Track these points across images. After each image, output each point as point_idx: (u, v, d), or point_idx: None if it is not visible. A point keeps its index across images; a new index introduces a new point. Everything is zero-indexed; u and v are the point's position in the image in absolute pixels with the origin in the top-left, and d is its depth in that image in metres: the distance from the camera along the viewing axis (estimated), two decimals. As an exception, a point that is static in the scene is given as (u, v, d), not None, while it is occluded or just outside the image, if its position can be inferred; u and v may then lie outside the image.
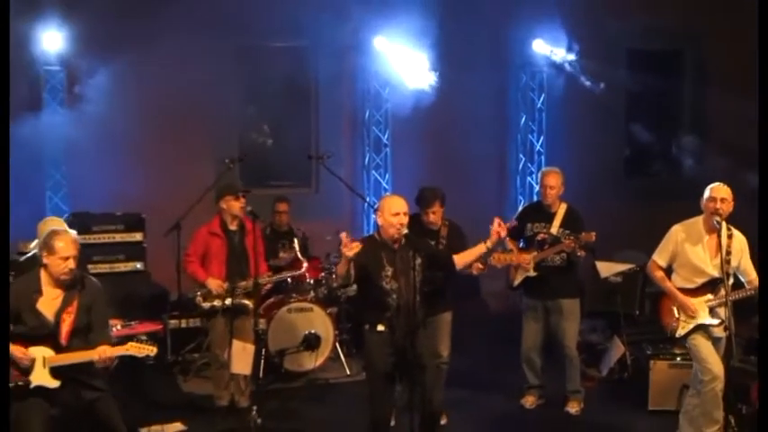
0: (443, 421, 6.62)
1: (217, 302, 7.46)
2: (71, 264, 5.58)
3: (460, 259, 6.14)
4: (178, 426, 7.43)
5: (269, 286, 7.81)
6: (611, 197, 11.64)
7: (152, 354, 5.81)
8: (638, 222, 10.84)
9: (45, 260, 5.61)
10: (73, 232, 6.07)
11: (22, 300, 5.57)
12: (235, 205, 7.55)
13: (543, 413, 7.82)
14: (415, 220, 6.59)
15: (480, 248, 6.07)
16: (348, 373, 8.73)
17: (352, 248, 5.58)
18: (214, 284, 7.47)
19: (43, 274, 5.63)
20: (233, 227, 7.62)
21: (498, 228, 5.96)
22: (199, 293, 7.54)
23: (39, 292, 5.61)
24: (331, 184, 10.53)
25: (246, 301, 7.45)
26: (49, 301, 5.61)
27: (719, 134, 12.05)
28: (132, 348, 5.73)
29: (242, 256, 7.56)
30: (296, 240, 8.76)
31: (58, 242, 5.57)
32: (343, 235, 5.70)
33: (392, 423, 6.38)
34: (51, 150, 9.63)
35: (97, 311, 5.76)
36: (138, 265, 9.25)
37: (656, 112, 12.56)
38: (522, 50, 11.47)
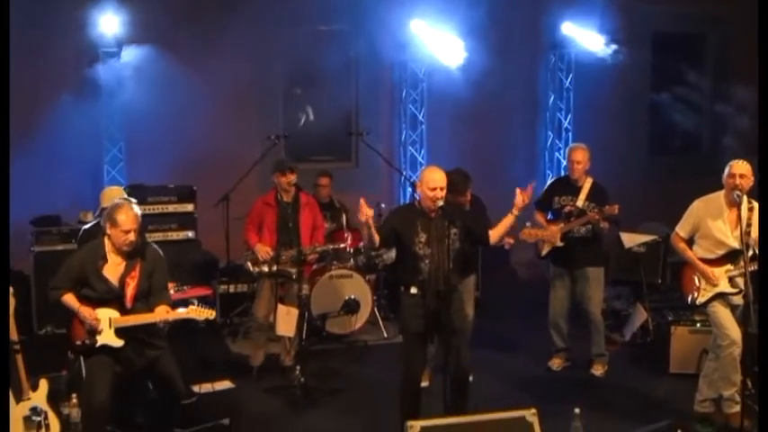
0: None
1: (264, 268, 7.51)
2: (132, 236, 5.63)
3: (494, 233, 6.08)
4: (227, 383, 7.53)
5: (314, 257, 7.80)
6: (635, 172, 11.54)
7: (211, 317, 5.92)
8: (660, 196, 10.74)
9: (108, 231, 5.66)
10: (134, 201, 6.14)
11: (88, 266, 5.64)
12: (282, 181, 7.59)
13: (569, 375, 7.82)
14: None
15: (509, 219, 6.02)
16: (385, 335, 8.76)
17: (362, 213, 5.63)
18: (262, 251, 7.53)
19: (107, 243, 5.70)
20: (287, 199, 7.67)
21: (521, 195, 5.94)
22: (248, 259, 7.59)
23: (104, 259, 5.68)
24: (370, 159, 10.54)
25: (291, 269, 7.48)
26: (113, 267, 5.68)
27: (738, 115, 11.91)
28: (193, 312, 5.82)
29: (293, 227, 7.59)
30: (344, 214, 8.84)
31: (121, 216, 5.61)
32: (362, 200, 5.69)
33: (425, 384, 6.40)
34: (109, 127, 9.68)
35: (158, 277, 5.82)
36: (190, 234, 9.29)
37: (680, 93, 12.36)
38: (552, 33, 11.35)
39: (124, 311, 5.64)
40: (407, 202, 9.22)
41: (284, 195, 7.67)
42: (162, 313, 5.68)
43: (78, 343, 5.62)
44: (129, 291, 5.67)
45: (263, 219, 7.67)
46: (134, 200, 6.26)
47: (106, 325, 5.61)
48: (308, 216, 7.65)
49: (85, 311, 5.57)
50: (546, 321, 7.93)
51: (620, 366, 7.89)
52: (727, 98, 12.18)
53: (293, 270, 7.50)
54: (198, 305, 5.96)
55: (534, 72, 11.61)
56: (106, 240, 5.69)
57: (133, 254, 5.70)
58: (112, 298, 5.65)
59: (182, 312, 5.78)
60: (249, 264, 7.63)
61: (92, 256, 5.68)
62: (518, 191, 5.97)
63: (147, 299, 5.76)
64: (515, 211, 5.97)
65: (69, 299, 5.63)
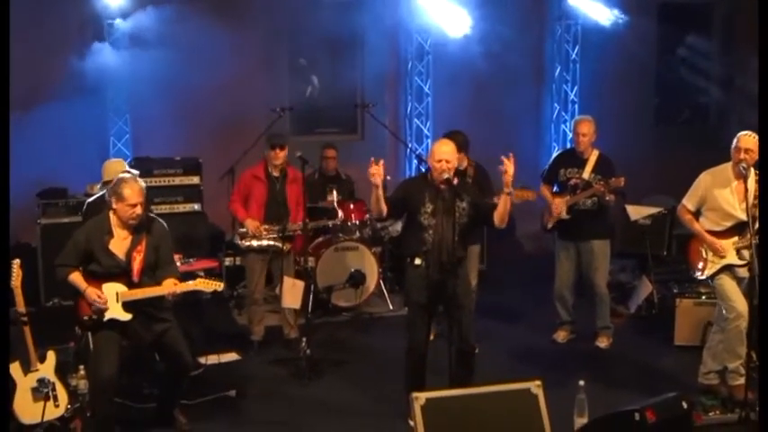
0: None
1: (254, 242, 7.48)
2: (138, 210, 5.59)
3: (498, 217, 5.93)
4: (233, 355, 7.53)
5: (298, 233, 7.68)
6: (641, 144, 11.44)
7: (219, 289, 5.89)
8: (667, 168, 10.67)
9: (114, 206, 5.62)
10: (136, 173, 6.10)
11: (95, 241, 5.61)
12: (273, 155, 7.50)
13: (574, 347, 7.81)
14: None
15: (504, 200, 5.86)
16: (390, 307, 8.75)
17: (373, 174, 5.61)
18: (251, 225, 7.48)
19: (113, 217, 5.65)
20: (276, 173, 7.58)
21: (506, 166, 5.78)
22: (237, 232, 7.57)
23: (110, 234, 5.63)
24: (376, 131, 10.49)
25: (280, 244, 7.44)
26: (119, 242, 5.64)
27: (745, 86, 11.82)
28: (201, 284, 5.79)
29: (281, 201, 7.54)
30: (336, 189, 8.79)
31: (126, 190, 5.56)
32: (373, 161, 5.66)
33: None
34: (115, 100, 9.65)
35: (164, 250, 5.78)
36: (196, 207, 9.24)
37: (686, 65, 12.26)
38: (558, 4, 11.25)
39: (131, 285, 5.62)
40: (413, 174, 9.14)
41: (274, 169, 7.58)
42: (170, 286, 5.66)
43: (86, 318, 5.60)
44: (136, 265, 5.64)
45: (250, 191, 7.57)
46: (136, 171, 6.22)
47: (113, 299, 5.58)
48: (295, 191, 7.57)
49: (92, 293, 5.54)
50: (551, 294, 7.91)
51: (624, 339, 7.88)
52: (735, 69, 12.09)
53: (281, 245, 7.44)
54: (205, 277, 5.94)
55: (540, 44, 11.52)
56: (111, 215, 5.65)
57: (139, 228, 5.67)
58: (119, 272, 5.62)
59: (190, 284, 5.76)
60: (238, 238, 7.60)
61: (97, 232, 5.65)
62: (501, 168, 5.82)
63: (153, 272, 5.73)
64: (506, 190, 5.82)
65: (76, 278, 5.60)
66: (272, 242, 7.48)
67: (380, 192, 5.74)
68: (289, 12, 10.16)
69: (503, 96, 10.95)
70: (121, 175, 5.78)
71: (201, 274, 6.23)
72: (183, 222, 8.84)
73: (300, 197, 7.60)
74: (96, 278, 5.61)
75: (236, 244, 7.79)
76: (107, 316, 5.56)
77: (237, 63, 9.77)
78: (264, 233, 7.48)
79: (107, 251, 5.61)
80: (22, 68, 8.77)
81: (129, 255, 5.64)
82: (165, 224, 5.93)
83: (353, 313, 8.71)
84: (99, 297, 5.54)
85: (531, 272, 9.66)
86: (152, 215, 6.01)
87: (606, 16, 10.83)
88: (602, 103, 10.95)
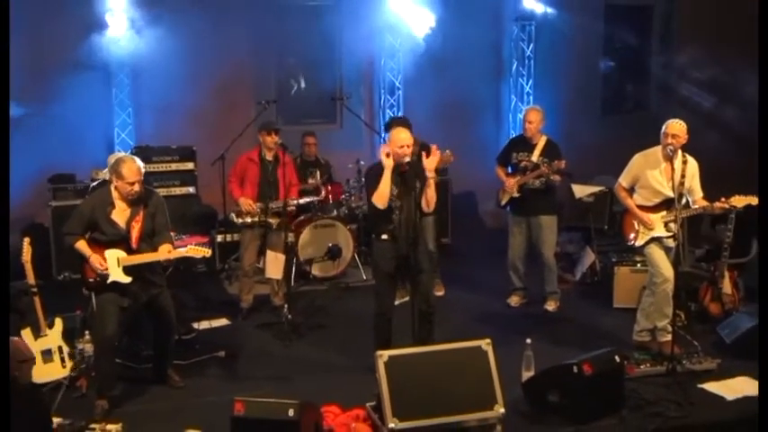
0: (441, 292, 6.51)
1: (248, 219, 7.52)
2: (136, 187, 5.61)
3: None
4: (223, 321, 7.58)
5: (293, 209, 7.76)
6: (590, 131, 11.47)
7: (207, 255, 5.91)
8: (612, 152, 10.60)
9: (115, 183, 5.64)
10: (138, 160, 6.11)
11: (98, 211, 5.63)
12: (267, 140, 7.55)
13: (526, 310, 7.89)
14: None
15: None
16: (364, 278, 8.77)
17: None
18: (245, 203, 7.51)
19: (114, 191, 5.66)
20: (269, 157, 7.61)
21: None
22: (233, 211, 7.59)
23: (112, 205, 5.65)
24: (353, 121, 10.49)
25: (272, 220, 7.48)
26: (120, 212, 5.66)
27: (680, 80, 11.92)
28: (191, 251, 5.82)
29: (273, 182, 7.57)
30: (318, 172, 8.81)
31: (125, 169, 5.57)
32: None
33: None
34: (119, 95, 9.66)
35: (159, 219, 5.80)
36: (191, 190, 9.28)
37: (629, 60, 12.30)
38: (514, 6, 11.25)
39: (130, 251, 5.64)
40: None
41: (267, 153, 7.61)
42: (164, 252, 5.69)
43: (91, 280, 5.63)
44: (135, 233, 5.66)
45: (245, 173, 7.61)
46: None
47: (114, 264, 5.60)
48: (286, 173, 7.61)
49: (95, 260, 5.56)
50: (506, 264, 7.98)
51: (570, 302, 7.95)
52: (672, 64, 12.16)
53: (273, 221, 7.49)
54: (195, 245, 5.94)
55: (499, 42, 11.49)
56: (113, 189, 5.66)
57: (137, 200, 5.69)
58: (120, 239, 5.63)
59: (182, 251, 5.79)
60: (234, 215, 7.63)
61: (101, 203, 5.66)
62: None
63: (151, 239, 5.75)
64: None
65: (82, 246, 5.61)
66: (265, 218, 7.52)
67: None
68: (277, 15, 10.17)
69: (466, 89, 10.95)
70: (121, 155, 5.82)
71: (193, 243, 6.19)
72: (179, 204, 8.88)
73: (293, 179, 7.69)
74: (100, 245, 5.63)
75: (231, 221, 7.79)
76: (110, 278, 5.60)
77: (229, 60, 9.77)
78: (257, 211, 7.52)
79: (109, 221, 5.63)
80: (36, 68, 8.81)
81: (128, 224, 5.66)
82: (160, 195, 5.96)
83: (331, 282, 8.74)
84: (101, 265, 5.56)
85: (490, 244, 9.71)
86: (149, 187, 6.02)
87: (558, 18, 10.87)
88: (555, 95, 11.01)
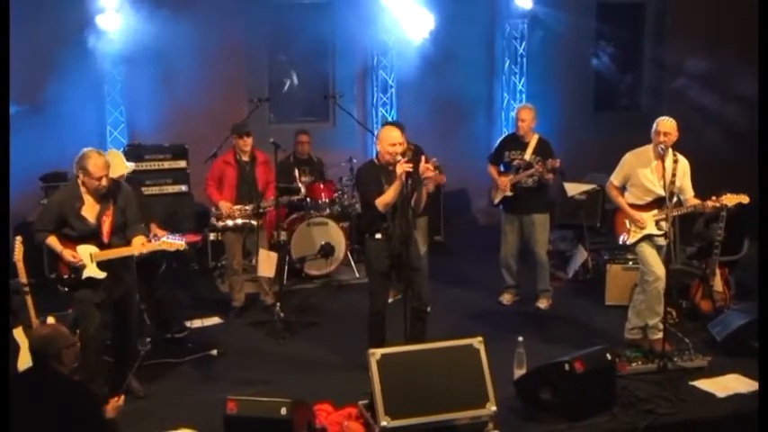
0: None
1: (228, 222, 7.51)
2: (104, 182, 5.51)
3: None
4: (216, 319, 7.58)
5: (270, 209, 7.69)
6: (582, 129, 11.50)
7: (181, 248, 5.75)
8: (604, 150, 10.62)
9: (81, 179, 5.54)
10: (131, 165, 6.05)
11: (67, 207, 5.56)
12: (240, 143, 7.56)
13: (518, 308, 7.89)
14: None
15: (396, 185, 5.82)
16: (357, 276, 8.78)
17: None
18: (225, 206, 7.52)
19: (82, 187, 5.57)
20: (245, 158, 7.61)
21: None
22: (213, 214, 7.62)
23: (81, 201, 5.57)
24: (346, 119, 10.44)
25: (253, 222, 7.48)
26: (90, 208, 5.58)
27: (673, 77, 11.93)
28: (165, 244, 5.71)
29: (251, 183, 7.56)
30: (305, 170, 8.85)
31: (90, 164, 5.46)
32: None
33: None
34: (111, 93, 9.61)
35: (130, 212, 5.72)
36: (183, 188, 9.25)
37: (621, 58, 12.31)
38: (507, 4, 11.23)
39: (102, 246, 5.58)
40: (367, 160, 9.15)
41: (242, 155, 7.60)
42: (138, 246, 5.63)
43: (65, 276, 5.58)
44: (106, 227, 5.58)
45: (223, 176, 7.61)
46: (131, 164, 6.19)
47: (88, 260, 5.55)
48: (263, 172, 7.59)
49: (67, 254, 5.51)
50: (499, 261, 7.98)
51: (562, 300, 7.98)
52: (664, 62, 12.17)
53: (253, 222, 7.48)
54: (168, 238, 5.80)
55: (492, 40, 11.48)
56: (81, 184, 5.56)
57: (107, 194, 5.59)
58: (90, 235, 5.56)
59: (155, 244, 5.70)
60: (214, 219, 7.63)
61: (69, 199, 5.58)
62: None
63: (123, 233, 5.68)
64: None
65: (53, 241, 5.55)
66: (245, 220, 7.52)
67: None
68: (270, 13, 10.17)
69: (459, 87, 10.95)
70: (86, 150, 5.60)
71: (168, 235, 5.93)
72: (172, 202, 8.87)
73: (270, 177, 7.64)
74: (71, 240, 5.56)
75: (212, 224, 7.81)
76: (85, 275, 5.55)
77: (222, 59, 9.76)
78: (237, 213, 7.51)
79: (79, 216, 5.55)
80: (30, 67, 8.77)
81: (99, 219, 5.58)
82: (129, 187, 5.89)
83: (324, 281, 8.74)
84: (74, 257, 5.52)
85: (483, 242, 9.64)
86: (117, 180, 5.92)
87: (550, 16, 10.87)
88: (547, 93, 10.98)
